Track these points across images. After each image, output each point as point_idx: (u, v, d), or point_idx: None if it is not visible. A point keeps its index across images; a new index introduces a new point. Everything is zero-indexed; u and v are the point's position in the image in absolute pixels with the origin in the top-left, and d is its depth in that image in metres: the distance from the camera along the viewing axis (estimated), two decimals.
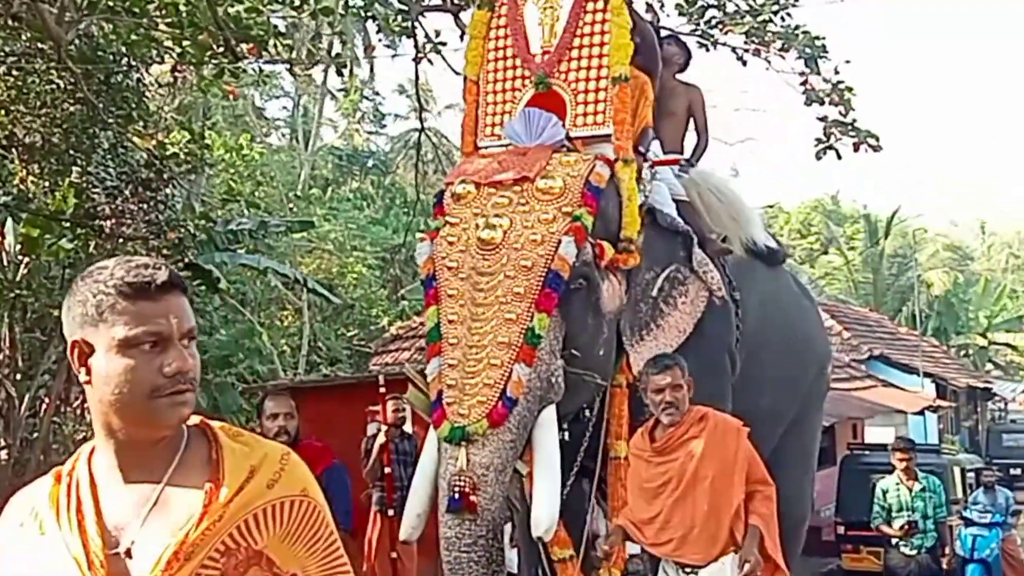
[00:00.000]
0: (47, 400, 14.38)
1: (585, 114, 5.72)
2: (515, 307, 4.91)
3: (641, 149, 5.82)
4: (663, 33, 6.91)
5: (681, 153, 6.79)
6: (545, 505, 4.81)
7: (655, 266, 5.60)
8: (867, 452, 13.61)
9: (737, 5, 9.58)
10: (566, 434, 5.40)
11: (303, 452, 5.21)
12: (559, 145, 5.50)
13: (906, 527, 9.13)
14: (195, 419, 2.04)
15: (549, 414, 5.01)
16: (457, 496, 4.61)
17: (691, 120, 6.91)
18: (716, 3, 9.66)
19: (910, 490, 9.11)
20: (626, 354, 5.49)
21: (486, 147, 5.96)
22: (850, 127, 9.14)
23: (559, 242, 4.99)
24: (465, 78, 6.12)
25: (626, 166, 5.49)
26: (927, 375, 24.12)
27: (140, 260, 1.99)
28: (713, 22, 9.75)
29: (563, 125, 5.59)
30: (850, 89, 9.14)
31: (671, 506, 4.95)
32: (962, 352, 38.56)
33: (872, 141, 9.11)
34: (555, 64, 5.81)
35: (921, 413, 20.52)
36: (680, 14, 9.85)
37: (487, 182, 5.30)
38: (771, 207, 28.35)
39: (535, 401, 4.90)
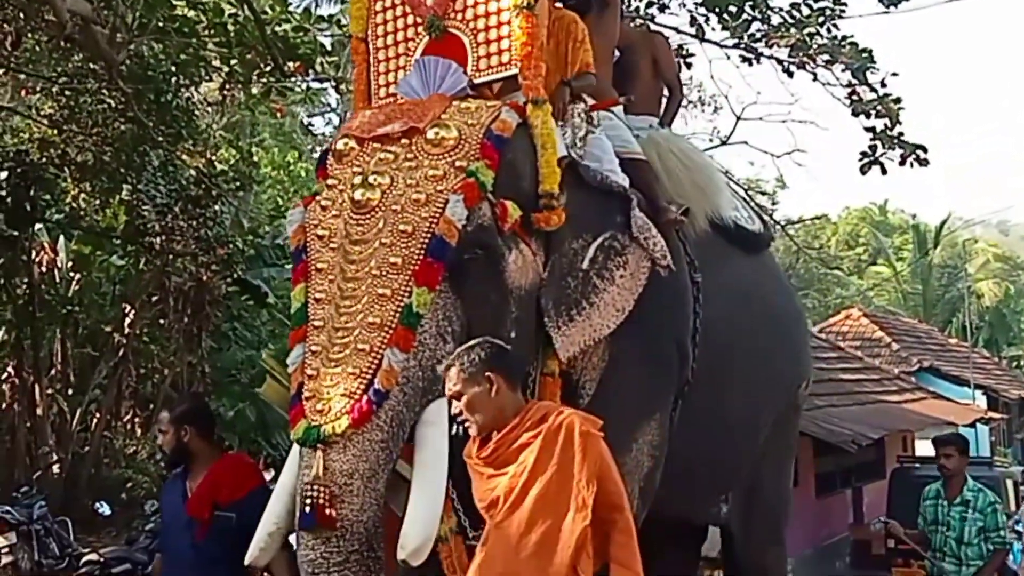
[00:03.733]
0: (98, 415, 14.58)
1: (488, 55, 4.83)
2: (390, 281, 4.04)
3: (571, 84, 4.94)
4: None
5: (659, 119, 5.94)
6: (418, 521, 3.89)
7: (585, 233, 4.64)
8: (918, 465, 13.44)
9: (782, 17, 9.53)
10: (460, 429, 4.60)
11: (222, 470, 4.90)
12: (462, 95, 4.68)
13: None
14: None
15: (438, 409, 4.07)
16: (308, 510, 3.77)
17: (659, 75, 6.02)
18: (760, 16, 9.62)
19: (949, 503, 7.40)
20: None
21: None
22: (897, 140, 9.05)
23: (447, 202, 4.13)
24: (351, 36, 5.34)
25: (538, 108, 4.56)
26: (978, 387, 23.87)
27: None
28: (757, 35, 9.72)
29: (465, 72, 4.78)
30: (897, 101, 9.04)
31: (493, 537, 3.85)
32: (1014, 363, 38.15)
33: (920, 154, 9.02)
34: (448, 4, 4.94)
35: (972, 425, 20.26)
36: (724, 28, 9.83)
37: (371, 136, 4.47)
38: (818, 218, 28.12)
39: (415, 394, 3.99)
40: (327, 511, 3.75)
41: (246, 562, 4.07)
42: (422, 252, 4.06)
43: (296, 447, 3.99)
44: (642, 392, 4.82)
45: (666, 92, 6.05)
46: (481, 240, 4.19)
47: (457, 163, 4.25)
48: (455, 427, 4.29)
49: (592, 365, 4.73)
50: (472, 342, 3.99)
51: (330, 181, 4.45)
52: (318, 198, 4.44)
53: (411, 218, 4.12)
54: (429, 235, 4.07)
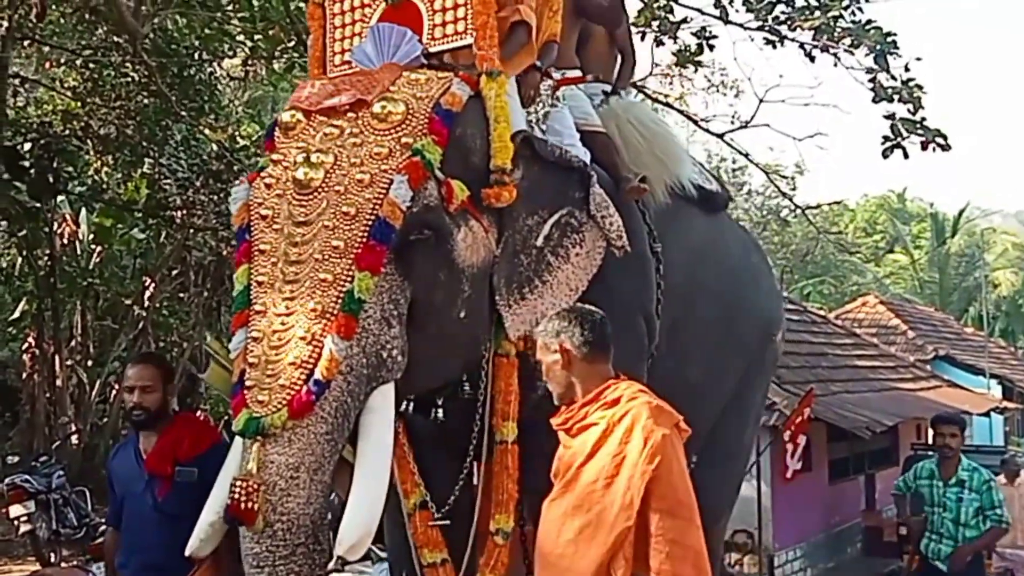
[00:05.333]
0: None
1: (444, 23, 4.60)
2: (332, 265, 3.87)
3: (539, 65, 4.77)
4: None
5: (613, 85, 5.75)
6: (358, 512, 3.78)
7: (541, 210, 4.47)
8: (931, 452, 13.46)
9: (806, 1, 9.51)
10: (439, 414, 4.52)
11: (179, 428, 4.77)
12: (417, 64, 4.44)
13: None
14: None
15: (383, 397, 3.97)
16: (228, 505, 3.66)
17: (612, 40, 5.82)
18: None
19: (944, 483, 7.41)
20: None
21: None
22: (919, 125, 9.02)
23: (391, 183, 3.95)
24: (307, 1, 5.06)
25: (491, 80, 4.33)
26: (993, 376, 23.81)
27: None
28: (781, 18, 9.69)
29: (420, 41, 4.53)
30: (920, 87, 9.00)
31: (545, 512, 3.77)
32: None
33: (941, 140, 8.99)
34: None
35: (987, 414, 20.25)
36: (748, 10, 9.79)
37: (318, 108, 4.26)
38: (837, 204, 28.02)
39: (360, 382, 3.85)
40: (244, 506, 3.62)
41: (187, 553, 3.99)
42: (365, 235, 3.89)
43: (239, 441, 3.84)
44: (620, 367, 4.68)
45: (619, 57, 5.85)
46: (427, 220, 4.02)
47: (403, 140, 4.05)
48: (405, 406, 4.36)
49: None
50: (561, 309, 3.99)
51: (275, 156, 4.24)
52: (263, 175, 4.21)
53: (354, 199, 3.94)
54: (373, 217, 3.90)
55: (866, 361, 18.08)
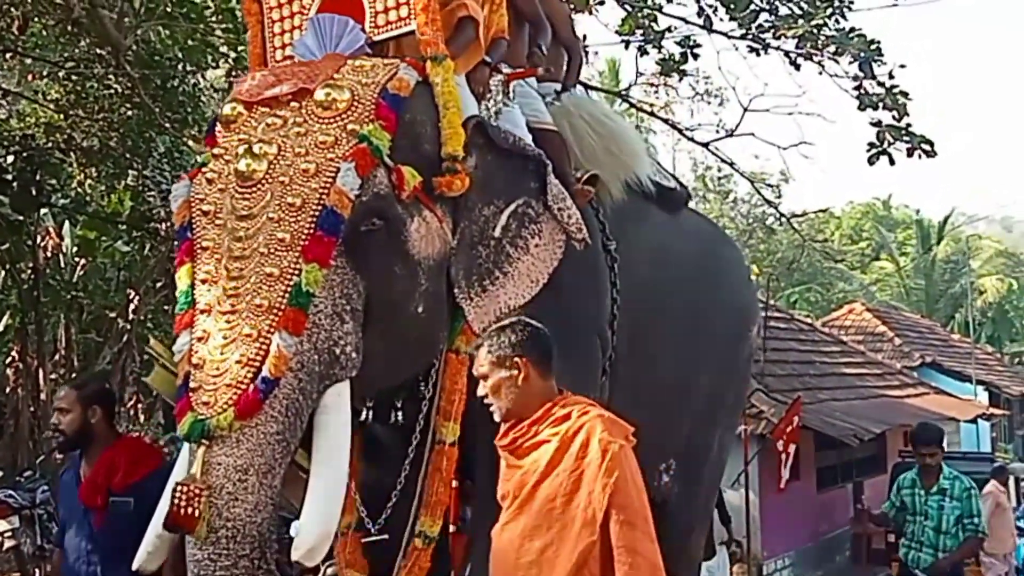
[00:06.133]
0: None
1: (386, 10, 4.40)
2: (279, 259, 3.69)
3: (489, 60, 4.65)
4: None
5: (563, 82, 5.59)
6: (315, 517, 3.60)
7: (496, 199, 4.33)
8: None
9: (790, 9, 9.53)
10: (399, 416, 4.27)
11: (115, 454, 4.59)
12: (361, 54, 4.29)
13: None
14: None
15: (337, 395, 3.77)
16: (168, 511, 3.46)
17: (557, 37, 5.58)
18: (768, 7, 9.61)
19: (926, 491, 7.37)
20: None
21: None
22: (904, 132, 9.06)
23: (338, 171, 3.78)
24: None
25: (438, 65, 4.17)
26: (980, 382, 23.88)
27: None
28: (765, 26, 9.71)
29: (363, 30, 4.38)
30: (905, 94, 9.06)
31: (499, 536, 3.61)
32: (1016, 360, 38.11)
33: (926, 147, 9.02)
34: None
35: (974, 421, 20.31)
36: (731, 19, 9.82)
37: (259, 100, 4.08)
38: (823, 211, 28.10)
39: (311, 380, 3.66)
40: (185, 511, 3.40)
41: (134, 567, 3.77)
42: (312, 227, 3.71)
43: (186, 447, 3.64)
44: (568, 382, 4.31)
45: (565, 54, 5.66)
46: (378, 209, 3.85)
47: (349, 127, 3.87)
48: (366, 414, 4.12)
49: None
50: (506, 322, 3.77)
51: (216, 151, 4.04)
52: (204, 170, 4.03)
53: (300, 190, 3.76)
54: (320, 208, 3.72)
55: (853, 368, 18.13)
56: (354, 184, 3.73)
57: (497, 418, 3.67)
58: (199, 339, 3.68)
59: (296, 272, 3.65)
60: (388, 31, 4.38)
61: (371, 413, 4.19)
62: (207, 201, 3.90)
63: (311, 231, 3.69)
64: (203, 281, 3.79)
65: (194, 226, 3.92)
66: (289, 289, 3.63)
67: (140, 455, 4.76)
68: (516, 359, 3.61)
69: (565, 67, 5.63)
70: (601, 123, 5.34)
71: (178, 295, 3.92)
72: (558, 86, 5.49)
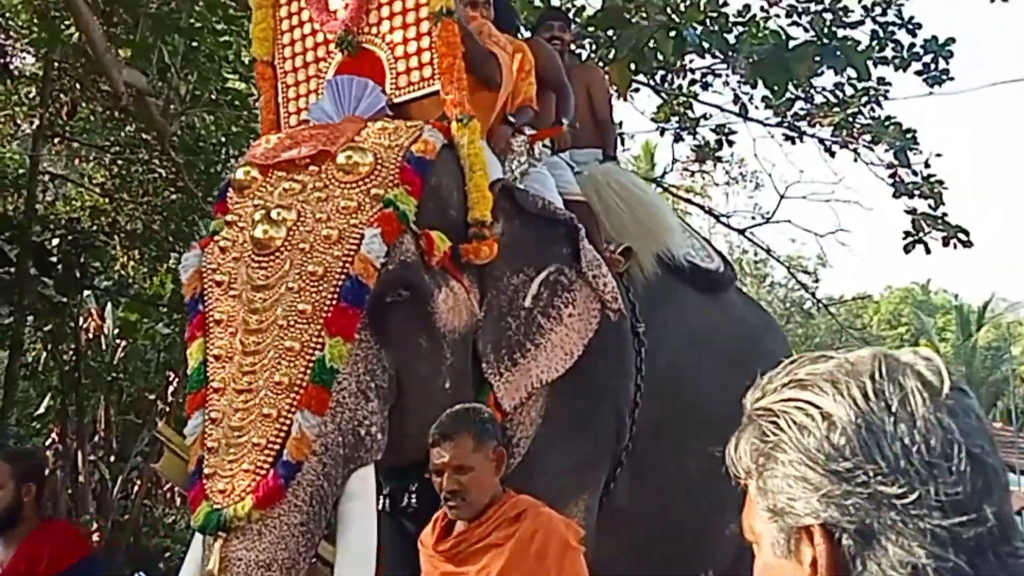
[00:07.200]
0: (139, 483, 14.62)
1: (408, 70, 4.15)
2: (299, 332, 3.41)
3: (512, 120, 4.51)
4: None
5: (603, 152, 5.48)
6: None
7: (526, 267, 4.07)
8: None
9: (825, 97, 9.60)
10: (412, 500, 3.93)
11: (38, 541, 4.13)
12: (381, 117, 4.09)
13: None
14: None
15: (362, 481, 3.48)
16: None
17: (593, 110, 5.52)
18: (803, 95, 9.69)
19: None
20: (492, 387, 3.94)
21: None
22: (940, 221, 9.05)
23: (362, 238, 3.52)
24: (255, 60, 4.71)
25: (463, 127, 3.93)
26: None
27: None
28: (801, 114, 9.78)
29: (383, 91, 4.16)
30: (941, 182, 9.05)
31: None
32: None
33: (962, 236, 9.00)
34: (361, 17, 4.27)
35: (1020, 513, 19.93)
36: (767, 107, 9.91)
37: (275, 163, 3.83)
38: (861, 298, 27.98)
39: (336, 464, 3.36)
40: None
41: None
42: (335, 297, 3.46)
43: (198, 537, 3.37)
44: (573, 466, 4.23)
45: (601, 130, 5.60)
46: (405, 279, 3.60)
47: (373, 191, 3.66)
48: (383, 502, 3.82)
49: (529, 420, 4.14)
50: (462, 406, 3.42)
51: (229, 218, 3.81)
52: (216, 238, 3.79)
53: (321, 258, 3.51)
54: (343, 277, 3.48)
55: None
56: (380, 252, 3.51)
57: (459, 517, 3.31)
58: (213, 420, 3.43)
59: (318, 346, 3.40)
60: (410, 92, 4.22)
61: (387, 501, 3.93)
62: (220, 271, 3.69)
63: (334, 302, 3.46)
64: (216, 357, 3.55)
65: (206, 298, 3.71)
66: (311, 365, 3.38)
67: (66, 542, 4.38)
68: (500, 448, 3.34)
69: (604, 142, 5.54)
70: (631, 193, 5.17)
71: (189, 373, 3.68)
72: (598, 153, 5.40)
